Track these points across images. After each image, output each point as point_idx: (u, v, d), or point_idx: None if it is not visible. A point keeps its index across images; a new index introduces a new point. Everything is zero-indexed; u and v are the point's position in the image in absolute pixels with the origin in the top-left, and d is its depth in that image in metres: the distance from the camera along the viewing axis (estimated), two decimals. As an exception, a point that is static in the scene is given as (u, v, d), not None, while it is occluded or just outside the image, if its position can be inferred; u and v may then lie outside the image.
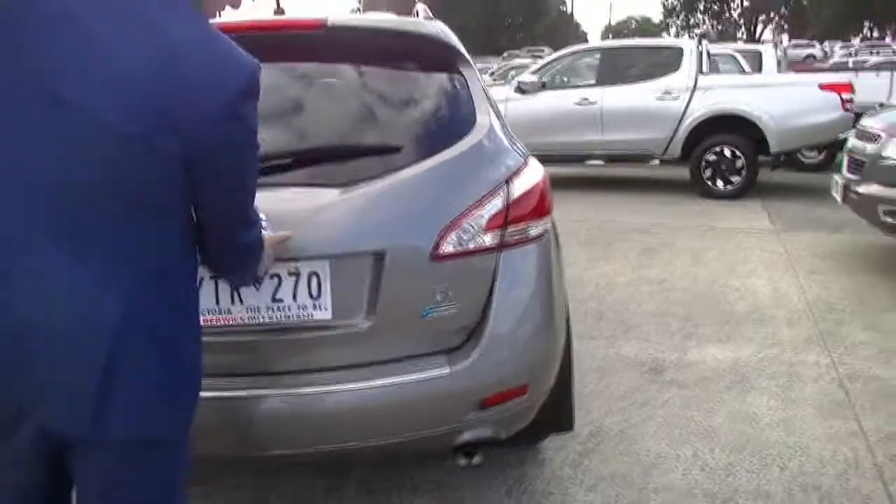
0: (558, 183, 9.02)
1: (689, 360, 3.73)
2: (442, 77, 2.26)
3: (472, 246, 2.01)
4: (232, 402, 1.90)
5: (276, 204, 1.90)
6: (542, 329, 2.14)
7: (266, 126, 2.07)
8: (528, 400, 2.13)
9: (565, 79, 9.20)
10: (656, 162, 8.46)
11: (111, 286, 1.20)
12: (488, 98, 2.35)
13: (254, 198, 1.39)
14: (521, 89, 8.82)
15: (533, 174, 2.20)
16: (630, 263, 5.53)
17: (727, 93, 8.22)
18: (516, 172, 2.15)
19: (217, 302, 1.92)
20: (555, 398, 2.36)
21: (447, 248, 1.98)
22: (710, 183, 8.21)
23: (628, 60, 9.02)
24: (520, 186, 2.12)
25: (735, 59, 10.53)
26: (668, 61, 8.54)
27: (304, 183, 1.99)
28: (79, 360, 1.20)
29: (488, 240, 2.03)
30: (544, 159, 9.20)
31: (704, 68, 8.53)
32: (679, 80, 8.32)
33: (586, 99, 8.52)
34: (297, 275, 1.93)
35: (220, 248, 1.41)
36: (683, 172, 8.58)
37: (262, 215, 1.85)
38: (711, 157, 8.16)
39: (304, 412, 1.92)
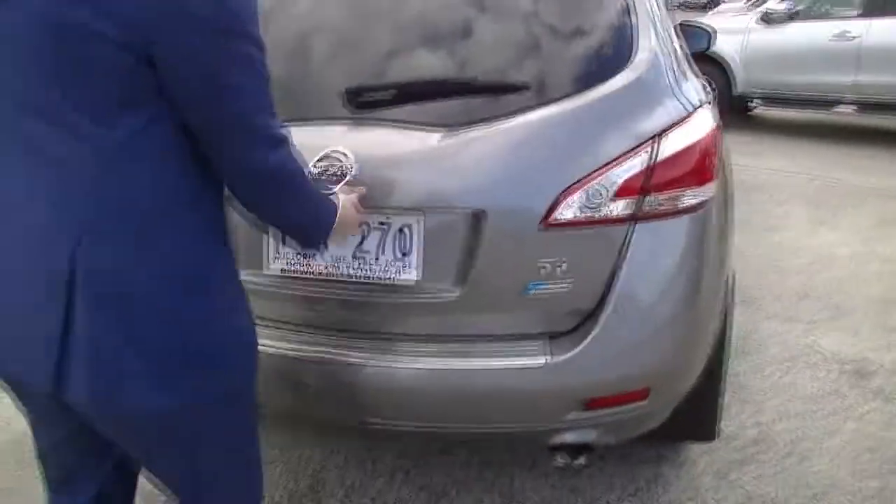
0: (795, 130, 8.00)
1: (907, 366, 3.05)
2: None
3: (597, 214, 1.64)
4: (295, 359, 1.72)
5: (366, 144, 1.67)
6: (678, 325, 1.73)
7: (358, 52, 1.83)
8: (649, 406, 1.75)
9: (826, 8, 7.91)
10: (924, 113, 7.11)
11: (66, 224, 1.03)
12: (659, 26, 1.89)
13: (263, 108, 1.12)
14: (767, 19, 7.73)
15: (696, 129, 1.75)
16: (860, 234, 4.67)
17: None
18: (674, 125, 1.72)
19: (299, 248, 1.74)
20: (694, 402, 1.94)
21: (565, 213, 1.63)
22: None
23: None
24: (674, 144, 1.69)
25: None
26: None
27: (402, 121, 1.70)
28: (33, 310, 1.06)
29: (619, 208, 1.64)
30: (784, 102, 7.99)
31: None
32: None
33: (846, 33, 7.26)
34: (387, 227, 1.69)
35: (234, 179, 1.17)
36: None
37: (346, 153, 1.62)
38: None
39: (372, 380, 1.69)
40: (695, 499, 2.23)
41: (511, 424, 1.73)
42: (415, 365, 1.67)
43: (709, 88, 2.13)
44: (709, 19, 8.56)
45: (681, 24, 3.39)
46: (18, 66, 1.01)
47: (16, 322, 1.09)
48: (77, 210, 1.04)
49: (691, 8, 25.09)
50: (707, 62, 7.55)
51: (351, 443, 2.47)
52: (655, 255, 1.70)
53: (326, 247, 1.67)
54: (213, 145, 1.12)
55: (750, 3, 10.57)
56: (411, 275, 1.69)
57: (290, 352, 1.74)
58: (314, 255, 1.74)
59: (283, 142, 1.18)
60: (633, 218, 1.65)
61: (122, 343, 1.07)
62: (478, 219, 1.63)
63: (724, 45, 7.56)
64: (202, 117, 1.08)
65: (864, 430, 2.59)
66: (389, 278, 1.70)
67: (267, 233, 1.74)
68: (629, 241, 1.66)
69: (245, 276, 1.79)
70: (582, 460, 1.82)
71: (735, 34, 7.69)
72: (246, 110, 1.10)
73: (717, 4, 12.21)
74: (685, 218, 1.71)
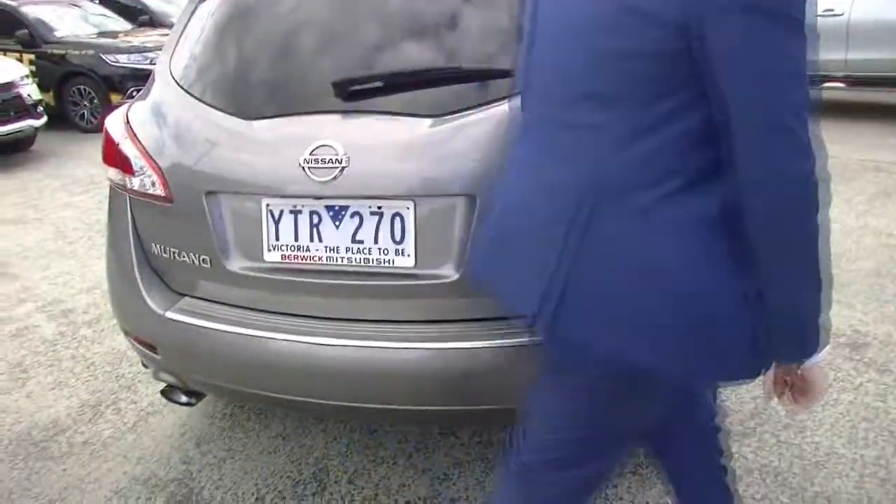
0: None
1: (901, 337, 3.08)
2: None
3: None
4: (296, 346, 1.75)
5: (356, 134, 1.69)
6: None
7: (346, 45, 1.84)
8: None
9: (811, -15, 7.92)
10: (914, 87, 7.11)
11: (583, 186, 1.11)
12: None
13: (794, 108, 1.00)
14: None
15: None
16: (854, 209, 4.70)
17: None
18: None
19: (296, 238, 1.76)
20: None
21: None
22: (982, 115, 6.78)
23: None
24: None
25: None
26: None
27: (392, 111, 1.72)
28: (536, 250, 1.17)
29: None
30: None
31: None
32: (958, -15, 6.82)
33: (830, 10, 7.27)
34: (381, 215, 1.71)
35: (750, 188, 1.03)
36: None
37: (335, 144, 1.65)
38: None
39: (374, 366, 1.72)
40: (695, 473, 2.26)
41: (515, 402, 1.75)
42: (411, 347, 1.70)
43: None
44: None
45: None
46: (573, 47, 1.11)
47: (520, 254, 1.20)
48: (598, 176, 1.10)
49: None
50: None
51: (354, 426, 2.51)
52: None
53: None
54: (735, 146, 1.03)
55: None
56: (408, 261, 1.71)
57: (290, 340, 1.77)
58: (310, 245, 1.75)
59: (812, 156, 1.04)
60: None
61: (605, 299, 1.11)
62: (469, 203, 1.66)
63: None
64: (725, 109, 1.02)
65: (859, 401, 2.63)
66: (387, 264, 1.72)
67: None
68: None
69: (243, 266, 1.84)
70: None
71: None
72: (772, 105, 1.00)
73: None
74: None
